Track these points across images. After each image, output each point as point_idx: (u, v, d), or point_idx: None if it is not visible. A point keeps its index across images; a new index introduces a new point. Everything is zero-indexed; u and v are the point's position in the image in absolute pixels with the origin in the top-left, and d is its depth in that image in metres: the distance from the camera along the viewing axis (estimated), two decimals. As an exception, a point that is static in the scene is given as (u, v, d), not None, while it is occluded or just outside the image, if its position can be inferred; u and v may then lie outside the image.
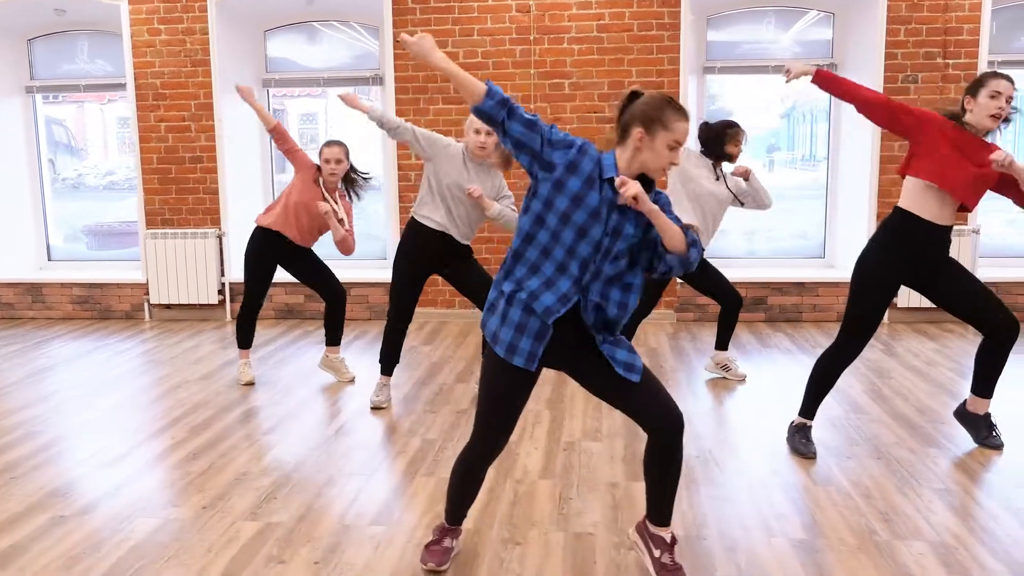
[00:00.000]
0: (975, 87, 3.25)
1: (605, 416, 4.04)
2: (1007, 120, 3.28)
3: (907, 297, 5.97)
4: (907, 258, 3.36)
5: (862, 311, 3.38)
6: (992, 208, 6.51)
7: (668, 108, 2.22)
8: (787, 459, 3.47)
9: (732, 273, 4.90)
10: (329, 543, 2.78)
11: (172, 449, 3.69)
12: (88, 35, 6.85)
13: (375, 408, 4.24)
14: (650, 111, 2.23)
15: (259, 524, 2.93)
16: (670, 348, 5.47)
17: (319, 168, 4.44)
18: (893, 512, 2.95)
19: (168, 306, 6.66)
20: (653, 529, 2.48)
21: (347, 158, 4.42)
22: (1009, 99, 3.22)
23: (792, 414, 3.71)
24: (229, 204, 6.50)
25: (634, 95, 2.31)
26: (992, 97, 3.20)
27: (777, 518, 2.92)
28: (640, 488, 3.16)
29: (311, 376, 4.88)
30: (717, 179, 4.35)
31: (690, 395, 4.40)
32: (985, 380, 3.53)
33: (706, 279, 4.50)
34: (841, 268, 6.40)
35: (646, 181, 2.31)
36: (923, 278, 3.42)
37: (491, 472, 3.37)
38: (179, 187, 6.53)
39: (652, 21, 5.94)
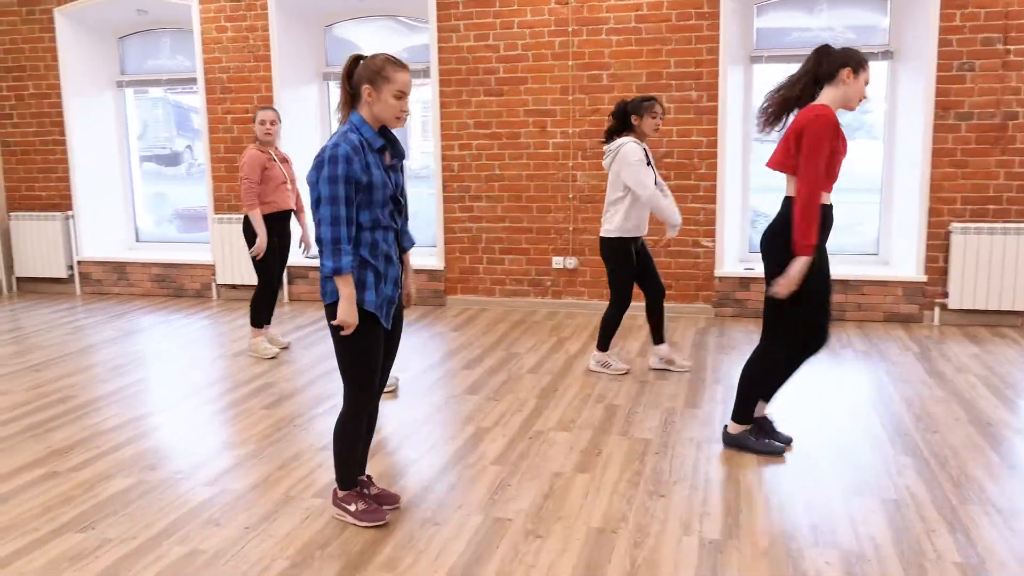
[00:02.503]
0: (858, 68, 3.24)
1: (590, 407, 4.08)
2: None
3: (960, 298, 5.63)
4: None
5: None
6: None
7: (388, 64, 2.57)
8: (745, 459, 3.41)
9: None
10: (266, 511, 2.99)
11: (173, 419, 4.02)
12: (171, 33, 7.39)
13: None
14: (373, 69, 2.57)
15: (214, 490, 3.18)
16: (692, 343, 5.40)
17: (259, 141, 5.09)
18: (823, 519, 2.87)
19: (234, 286, 7.13)
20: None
21: (279, 122, 5.12)
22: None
23: (773, 414, 3.62)
24: (287, 191, 6.87)
25: (357, 59, 2.64)
26: (866, 83, 3.28)
27: (702, 517, 2.91)
28: (580, 479, 3.22)
29: (330, 357, 5.14)
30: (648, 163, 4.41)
31: (675, 389, 4.35)
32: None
33: (640, 265, 4.62)
34: (894, 266, 6.09)
35: (388, 136, 2.73)
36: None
37: (444, 456, 3.50)
38: (243, 175, 6.96)
39: (691, 10, 5.83)
